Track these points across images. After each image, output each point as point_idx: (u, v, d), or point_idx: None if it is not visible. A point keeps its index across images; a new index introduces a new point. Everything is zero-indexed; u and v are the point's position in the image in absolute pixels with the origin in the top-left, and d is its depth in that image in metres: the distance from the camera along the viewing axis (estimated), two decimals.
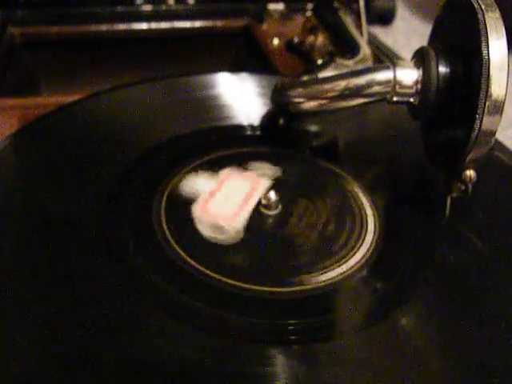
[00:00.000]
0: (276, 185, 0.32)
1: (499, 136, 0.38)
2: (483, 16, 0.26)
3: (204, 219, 0.29)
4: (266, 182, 0.32)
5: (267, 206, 0.30)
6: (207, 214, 0.29)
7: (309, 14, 0.54)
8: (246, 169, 0.33)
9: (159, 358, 0.22)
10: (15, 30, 0.53)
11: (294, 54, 0.53)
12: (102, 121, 0.36)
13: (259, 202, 0.30)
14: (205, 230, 0.28)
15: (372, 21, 0.70)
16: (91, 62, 0.56)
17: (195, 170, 0.32)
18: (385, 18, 0.74)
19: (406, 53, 0.30)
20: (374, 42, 0.52)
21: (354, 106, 0.31)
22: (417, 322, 0.25)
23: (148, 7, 0.58)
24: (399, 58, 0.49)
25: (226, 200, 0.30)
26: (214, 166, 0.33)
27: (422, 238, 0.29)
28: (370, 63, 0.40)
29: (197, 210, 0.29)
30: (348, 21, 0.47)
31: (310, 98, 0.32)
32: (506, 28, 0.26)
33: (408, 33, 0.75)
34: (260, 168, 0.33)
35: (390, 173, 0.35)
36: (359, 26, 0.48)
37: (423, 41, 0.32)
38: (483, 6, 0.26)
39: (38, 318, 0.23)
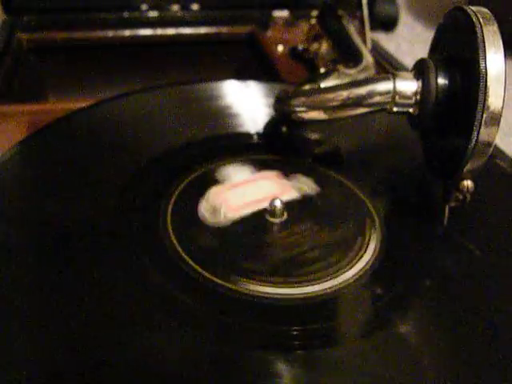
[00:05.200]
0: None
1: (501, 143, 0.38)
2: (481, 30, 0.26)
3: (211, 200, 0.30)
4: (291, 194, 0.32)
5: (272, 214, 0.30)
6: (218, 197, 0.31)
7: (313, 21, 0.54)
8: (287, 177, 0.33)
9: (160, 362, 0.22)
10: (23, 35, 0.54)
11: (299, 61, 0.53)
12: (109, 127, 0.36)
13: (265, 210, 0.30)
14: (203, 208, 0.30)
15: (375, 27, 0.70)
16: (97, 67, 0.57)
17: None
18: (388, 24, 0.74)
19: (409, 59, 0.31)
20: (376, 49, 0.52)
21: (355, 116, 0.31)
22: (417, 330, 0.25)
23: (153, 13, 0.58)
24: (402, 65, 0.50)
25: (243, 194, 0.31)
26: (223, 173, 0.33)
27: (422, 246, 0.30)
28: (372, 72, 0.40)
29: (212, 191, 0.31)
30: (351, 29, 0.47)
31: (312, 107, 0.32)
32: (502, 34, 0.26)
33: (411, 39, 0.75)
34: (302, 182, 0.33)
35: (392, 181, 0.35)
36: (363, 34, 0.48)
37: (426, 47, 0.32)
38: (481, 20, 0.26)
39: (40, 320, 0.23)
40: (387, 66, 0.50)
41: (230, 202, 0.30)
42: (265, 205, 0.30)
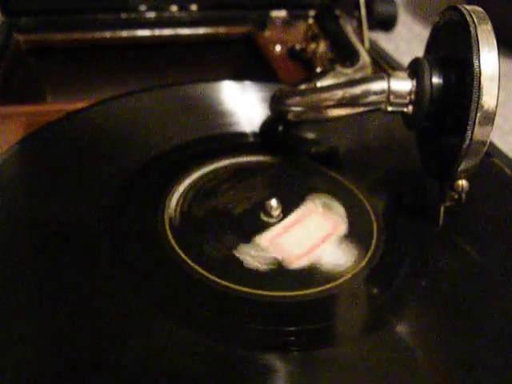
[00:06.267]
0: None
1: (499, 142, 0.38)
2: (475, 29, 0.26)
3: (267, 249, 0.28)
4: (343, 227, 0.31)
5: (269, 214, 0.30)
6: (274, 245, 0.29)
7: (311, 21, 0.54)
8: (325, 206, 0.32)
9: (159, 362, 0.22)
10: (20, 37, 0.54)
11: (296, 60, 0.53)
12: (106, 128, 0.36)
13: (263, 209, 0.30)
14: (256, 262, 0.28)
15: (373, 27, 0.70)
16: (95, 68, 0.57)
17: None
18: (386, 23, 0.74)
19: (408, 59, 0.31)
20: (375, 48, 0.52)
21: (350, 115, 0.31)
22: (414, 330, 0.26)
23: (151, 14, 0.58)
24: (400, 64, 0.50)
25: (299, 238, 0.29)
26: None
27: (419, 246, 0.30)
28: (369, 71, 0.40)
29: (262, 239, 0.29)
30: (349, 28, 0.47)
31: (308, 106, 0.32)
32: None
33: (409, 38, 0.75)
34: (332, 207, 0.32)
35: (389, 180, 0.35)
36: (360, 33, 0.48)
37: (424, 47, 0.32)
38: (475, 20, 0.26)
39: (40, 324, 0.23)
40: (385, 66, 0.50)
41: (290, 252, 0.29)
42: (326, 246, 0.29)
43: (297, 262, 0.28)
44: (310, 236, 0.30)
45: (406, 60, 0.31)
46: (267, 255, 0.28)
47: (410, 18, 0.82)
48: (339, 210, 0.31)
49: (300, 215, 0.31)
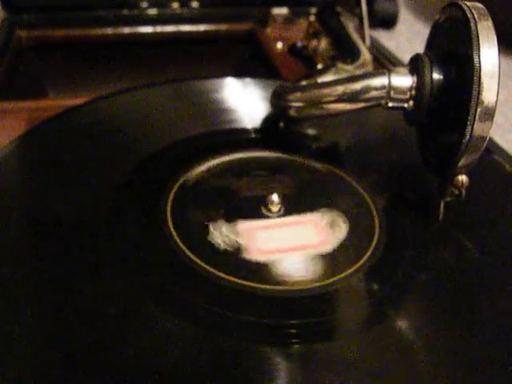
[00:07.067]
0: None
1: (500, 140, 0.38)
2: (475, 25, 0.26)
3: (239, 234, 0.29)
4: (328, 247, 0.29)
5: (269, 209, 0.30)
6: (248, 233, 0.29)
7: (312, 18, 0.54)
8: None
9: (156, 356, 0.22)
10: (22, 33, 0.54)
11: (298, 58, 0.53)
12: (108, 124, 0.36)
13: (265, 205, 0.30)
14: (220, 240, 0.28)
15: (375, 25, 0.70)
16: (97, 64, 0.57)
17: None
18: (388, 21, 0.74)
19: (409, 57, 0.31)
20: (376, 46, 0.52)
21: (351, 111, 0.31)
22: (414, 324, 0.26)
23: (153, 11, 0.58)
24: (401, 62, 0.50)
25: (275, 237, 0.29)
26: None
27: (419, 241, 0.30)
28: (370, 68, 0.40)
29: (242, 225, 0.29)
30: (350, 26, 0.47)
31: (308, 102, 0.32)
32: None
33: (411, 36, 0.75)
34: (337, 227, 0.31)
35: (390, 176, 0.35)
36: (361, 31, 0.48)
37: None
38: (476, 15, 0.26)
39: (39, 319, 0.23)
40: (387, 64, 0.50)
41: (258, 244, 0.29)
42: (297, 254, 0.29)
43: (254, 255, 0.28)
44: (287, 240, 0.29)
45: (407, 58, 0.31)
46: (233, 238, 0.28)
47: (412, 16, 0.82)
48: (341, 231, 0.30)
49: (298, 220, 0.30)
